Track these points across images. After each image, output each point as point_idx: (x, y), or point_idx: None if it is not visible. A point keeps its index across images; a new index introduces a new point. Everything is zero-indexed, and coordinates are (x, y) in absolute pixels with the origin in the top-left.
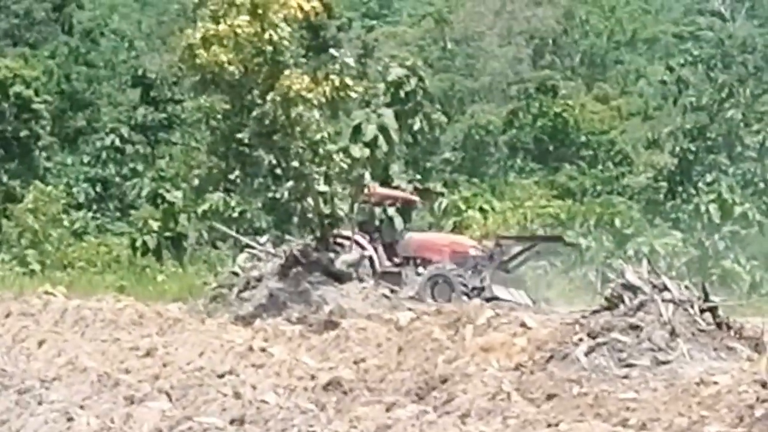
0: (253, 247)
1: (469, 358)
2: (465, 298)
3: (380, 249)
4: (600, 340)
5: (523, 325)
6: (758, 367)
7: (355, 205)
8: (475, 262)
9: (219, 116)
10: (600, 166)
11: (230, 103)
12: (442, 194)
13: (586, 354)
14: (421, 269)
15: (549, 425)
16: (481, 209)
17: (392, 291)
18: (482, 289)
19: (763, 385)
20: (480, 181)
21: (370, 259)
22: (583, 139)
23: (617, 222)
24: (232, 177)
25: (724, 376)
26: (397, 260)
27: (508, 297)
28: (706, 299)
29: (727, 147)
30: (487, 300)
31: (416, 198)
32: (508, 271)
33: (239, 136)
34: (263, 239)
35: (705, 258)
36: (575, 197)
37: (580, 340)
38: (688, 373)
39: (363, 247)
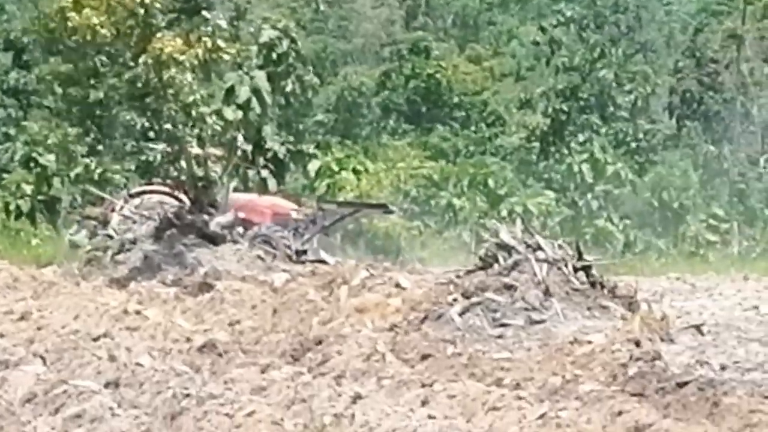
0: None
1: (344, 319)
2: (287, 259)
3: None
4: (474, 300)
5: (397, 285)
6: (631, 326)
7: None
8: (296, 225)
9: (65, 81)
10: (473, 127)
11: (75, 69)
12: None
13: (461, 314)
14: (240, 230)
15: (423, 385)
16: (354, 171)
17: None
18: (304, 251)
19: (637, 343)
20: (353, 143)
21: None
22: (455, 100)
23: (490, 182)
24: (88, 140)
25: (598, 335)
26: None
27: (331, 261)
28: (580, 258)
29: (600, 107)
30: (311, 262)
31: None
32: (327, 235)
33: (91, 99)
34: (136, 201)
35: (578, 217)
36: (448, 158)
37: (455, 300)
38: (561, 332)
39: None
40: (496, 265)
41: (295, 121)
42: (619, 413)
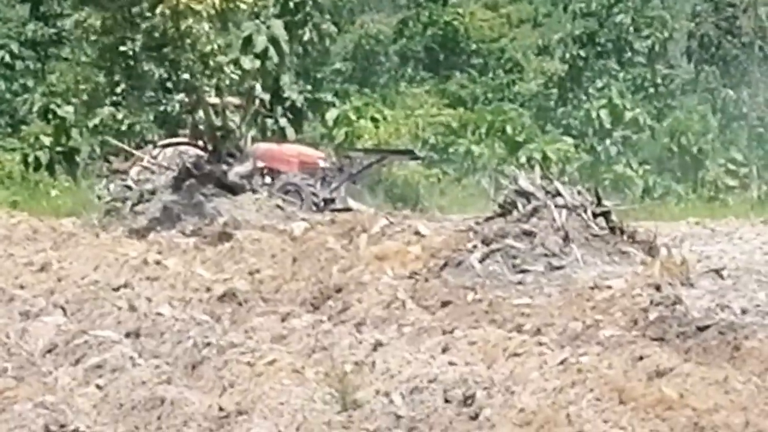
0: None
1: (364, 267)
2: (314, 208)
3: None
4: (494, 246)
5: (417, 233)
6: (651, 271)
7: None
8: (324, 173)
9: (99, 31)
10: (491, 74)
11: (111, 18)
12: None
13: (481, 261)
14: (268, 179)
15: (444, 332)
16: (372, 119)
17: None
18: (332, 200)
19: (657, 288)
20: (371, 91)
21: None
22: (473, 47)
23: (509, 129)
24: (118, 91)
25: (618, 280)
26: None
27: (360, 209)
28: (599, 204)
29: (617, 52)
30: (339, 211)
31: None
32: (355, 183)
33: (123, 49)
34: (155, 152)
35: (597, 163)
36: (466, 105)
37: (474, 247)
38: (581, 277)
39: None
40: (515, 212)
41: (312, 69)
42: (640, 358)
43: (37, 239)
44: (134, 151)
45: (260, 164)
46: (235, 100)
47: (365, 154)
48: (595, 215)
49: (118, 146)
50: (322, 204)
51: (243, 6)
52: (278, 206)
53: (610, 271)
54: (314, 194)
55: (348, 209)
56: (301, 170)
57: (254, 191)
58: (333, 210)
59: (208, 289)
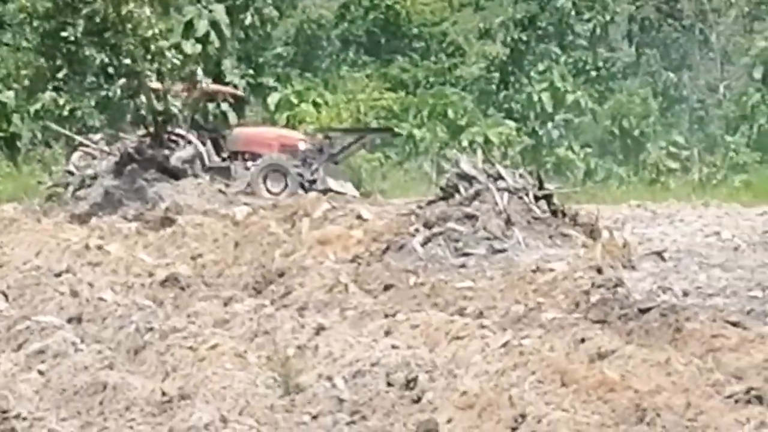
0: (87, 146)
1: (306, 251)
2: (300, 189)
3: (208, 144)
4: (436, 230)
5: (359, 217)
6: (593, 253)
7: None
8: (304, 155)
9: (40, 16)
10: (432, 58)
11: (52, 3)
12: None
13: (423, 244)
14: (249, 163)
15: (386, 315)
16: (314, 103)
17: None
18: (314, 181)
19: (599, 270)
20: (313, 75)
21: (199, 154)
22: (415, 31)
23: (450, 113)
24: (60, 76)
25: (560, 263)
26: (224, 155)
27: (340, 189)
28: (541, 187)
29: (558, 36)
30: (323, 192)
31: (231, 90)
32: (336, 163)
33: (64, 34)
34: (97, 137)
35: (539, 146)
36: (408, 89)
37: (417, 230)
38: (523, 260)
39: (191, 143)
40: (457, 195)
41: (254, 54)
42: (582, 340)
43: None
44: (75, 136)
45: (240, 148)
46: (179, 86)
47: (344, 134)
48: (536, 198)
49: (59, 131)
50: (308, 185)
51: None
52: (220, 191)
53: (552, 253)
54: (300, 175)
55: (329, 190)
56: (281, 153)
57: (196, 176)
58: (316, 191)
59: (151, 274)
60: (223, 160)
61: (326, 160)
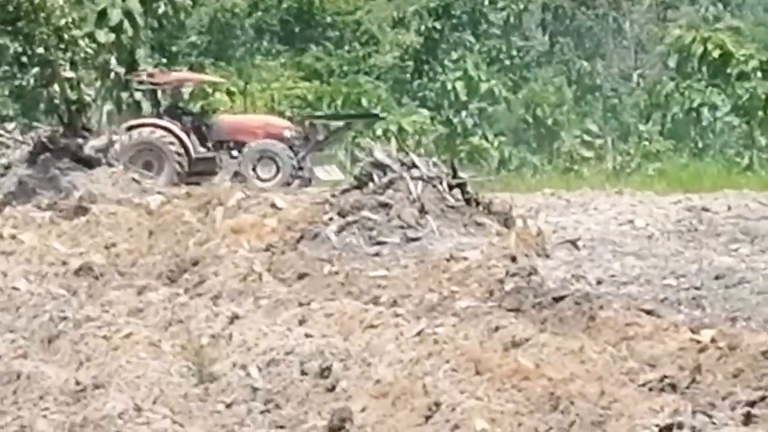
0: (0, 135)
1: (220, 240)
2: (291, 177)
3: (192, 134)
4: (350, 218)
5: (273, 205)
6: (507, 242)
7: (160, 92)
8: (290, 142)
9: None
10: (346, 47)
11: None
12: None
13: (337, 233)
14: (235, 152)
15: (300, 304)
16: (228, 92)
17: (147, 177)
18: (300, 168)
19: (513, 259)
20: (227, 64)
21: (184, 145)
22: (329, 20)
23: (364, 101)
24: None
25: (474, 251)
26: (209, 145)
27: (327, 177)
28: (455, 176)
29: (472, 25)
30: (310, 180)
31: (215, 78)
32: (322, 150)
33: None
34: (10, 127)
35: (453, 135)
36: (322, 78)
37: (331, 219)
38: (437, 249)
39: (175, 134)
40: (371, 184)
41: (168, 43)
42: (496, 329)
43: None
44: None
45: (225, 137)
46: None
47: (330, 120)
48: (450, 187)
49: None
50: (294, 173)
51: None
52: (134, 180)
53: (466, 242)
54: (290, 157)
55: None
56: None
57: (110, 165)
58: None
59: (64, 263)
60: (208, 150)
61: (312, 147)
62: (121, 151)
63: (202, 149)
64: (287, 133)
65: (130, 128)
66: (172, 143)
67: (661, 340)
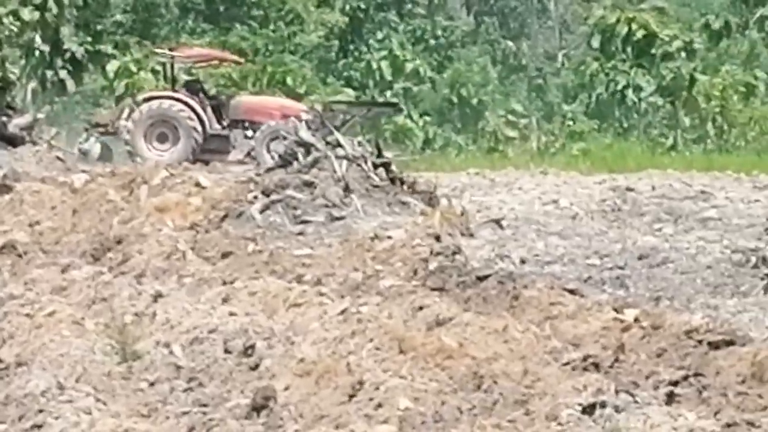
0: None
1: (144, 219)
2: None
3: (209, 111)
4: (274, 197)
5: (197, 184)
6: (431, 221)
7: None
8: (307, 126)
9: None
10: (271, 26)
11: None
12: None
13: (261, 212)
14: (249, 132)
15: (224, 283)
16: (153, 71)
17: (70, 156)
18: None
19: (437, 238)
20: (152, 43)
21: (201, 120)
22: None
23: (290, 81)
24: None
25: (398, 230)
26: (225, 123)
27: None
28: (380, 155)
29: (397, 4)
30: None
31: (235, 57)
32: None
33: None
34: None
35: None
36: (247, 57)
37: (255, 198)
38: (362, 228)
39: (193, 109)
40: (295, 163)
41: (92, 21)
42: (420, 308)
43: None
44: None
45: (241, 116)
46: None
47: (348, 107)
48: (375, 166)
49: None
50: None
51: None
52: (58, 158)
53: (391, 221)
54: None
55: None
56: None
57: (34, 143)
58: None
59: None
60: (223, 128)
61: (328, 132)
62: (137, 121)
63: (217, 126)
64: (304, 116)
65: (147, 99)
66: (190, 118)
67: (585, 320)
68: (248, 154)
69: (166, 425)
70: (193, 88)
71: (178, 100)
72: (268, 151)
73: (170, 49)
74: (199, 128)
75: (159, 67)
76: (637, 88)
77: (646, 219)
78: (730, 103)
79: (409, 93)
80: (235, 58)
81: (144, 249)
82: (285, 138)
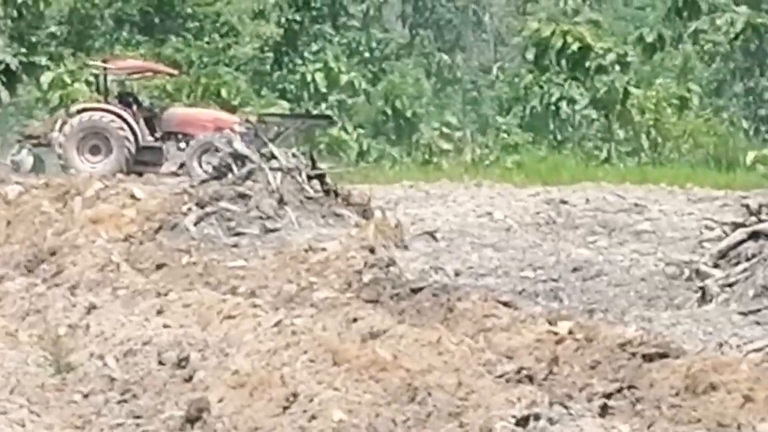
0: None
1: (79, 230)
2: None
3: (141, 122)
4: (209, 209)
5: (132, 196)
6: (366, 233)
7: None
8: (241, 138)
9: None
10: (206, 38)
11: None
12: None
13: (195, 224)
14: (182, 144)
15: (158, 295)
16: (87, 82)
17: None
18: None
19: (371, 250)
20: (86, 55)
21: (133, 132)
22: (188, 11)
23: (224, 93)
24: None
25: (333, 242)
26: (158, 135)
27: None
28: (314, 167)
29: (332, 17)
30: None
31: (168, 69)
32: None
33: None
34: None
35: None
36: (182, 69)
37: (189, 209)
38: (296, 240)
39: (126, 121)
40: (230, 175)
41: (27, 33)
42: (354, 320)
43: None
44: None
45: (174, 128)
46: None
47: (282, 119)
48: (310, 178)
49: None
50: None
51: None
52: None
53: (325, 233)
54: None
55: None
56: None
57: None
58: None
59: None
60: (156, 140)
61: (261, 144)
62: (69, 133)
63: (150, 138)
64: (237, 128)
65: (79, 111)
66: (122, 129)
67: (519, 332)
68: (181, 166)
69: None
70: (126, 100)
71: (110, 111)
72: (200, 163)
73: (103, 61)
74: (132, 140)
75: (93, 79)
76: (571, 101)
77: (580, 231)
78: (664, 116)
79: (343, 105)
80: (169, 69)
81: (78, 261)
82: (218, 150)
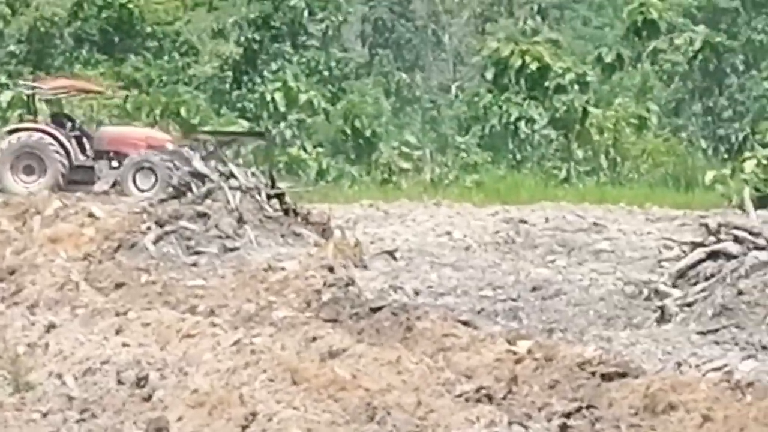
0: None
1: (37, 249)
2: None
3: (74, 142)
4: (168, 228)
5: (91, 215)
6: (325, 252)
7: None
8: (171, 156)
9: None
10: (166, 57)
11: None
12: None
13: (154, 242)
14: (115, 163)
15: (117, 314)
16: (47, 101)
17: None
18: None
19: (330, 269)
20: (45, 74)
21: (66, 151)
22: (148, 30)
23: (183, 112)
24: None
25: (292, 261)
26: (90, 154)
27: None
28: (273, 186)
29: (292, 36)
30: None
31: (98, 87)
32: None
33: None
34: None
35: (272, 146)
36: (141, 88)
37: (148, 228)
38: (255, 259)
39: (58, 140)
40: (189, 194)
41: None
42: (313, 339)
43: None
44: None
45: (106, 147)
46: None
47: (214, 136)
48: (269, 197)
49: None
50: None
51: None
52: None
53: (284, 252)
54: (169, 169)
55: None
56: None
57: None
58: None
59: None
60: (88, 159)
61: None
62: (2, 154)
63: (82, 157)
64: (169, 147)
65: (11, 132)
66: (55, 149)
67: (478, 351)
68: (114, 184)
69: None
70: (59, 119)
71: (43, 131)
72: (134, 181)
73: (33, 80)
74: (65, 160)
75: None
76: (531, 121)
77: (539, 251)
78: (623, 135)
79: (302, 124)
80: (98, 88)
81: (37, 279)
82: (150, 169)
